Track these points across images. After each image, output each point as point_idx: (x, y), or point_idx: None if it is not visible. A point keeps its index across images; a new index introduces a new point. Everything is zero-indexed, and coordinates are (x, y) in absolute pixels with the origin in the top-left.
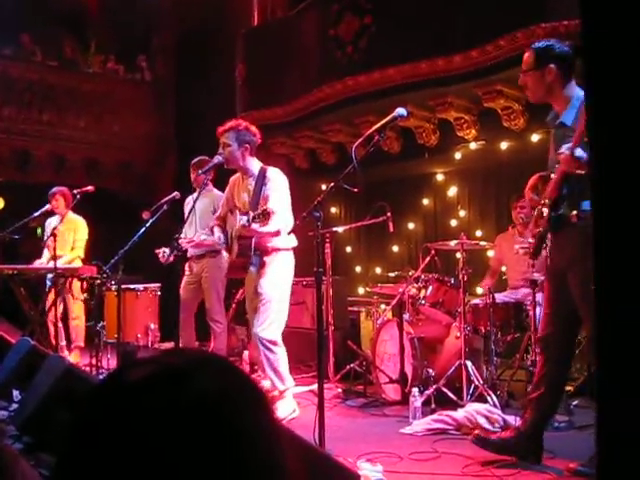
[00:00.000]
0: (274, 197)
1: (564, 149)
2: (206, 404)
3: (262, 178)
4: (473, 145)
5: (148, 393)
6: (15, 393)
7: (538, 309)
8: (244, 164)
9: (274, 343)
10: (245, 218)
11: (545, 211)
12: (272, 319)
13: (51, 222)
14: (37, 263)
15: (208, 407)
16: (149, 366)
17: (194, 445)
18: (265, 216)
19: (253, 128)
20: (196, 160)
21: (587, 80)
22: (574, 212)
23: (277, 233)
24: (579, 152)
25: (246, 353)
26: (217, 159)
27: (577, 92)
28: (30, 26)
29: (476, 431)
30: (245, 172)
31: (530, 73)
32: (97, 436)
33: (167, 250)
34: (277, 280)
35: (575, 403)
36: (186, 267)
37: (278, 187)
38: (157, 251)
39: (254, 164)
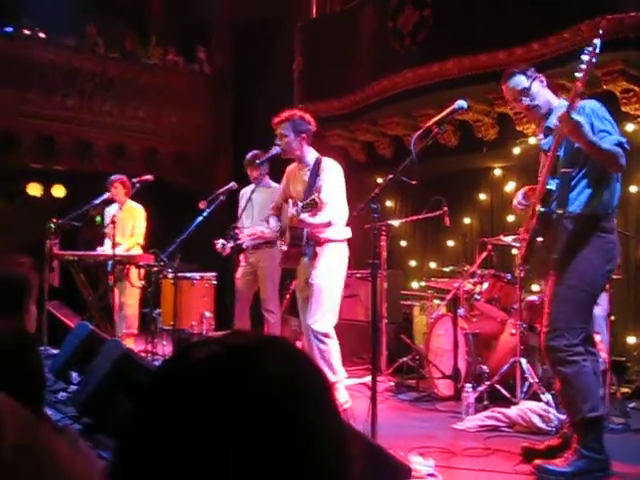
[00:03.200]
0: (326, 189)
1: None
2: (273, 386)
3: (317, 169)
4: (532, 140)
5: (213, 372)
6: (74, 375)
7: (597, 308)
8: (301, 154)
9: (326, 335)
10: (294, 209)
11: (537, 208)
12: (324, 311)
13: (110, 210)
14: (99, 250)
15: (275, 389)
16: (213, 346)
17: (259, 428)
18: (313, 205)
19: (308, 116)
20: (250, 156)
21: None
22: (561, 211)
23: (327, 224)
24: (576, 115)
25: (299, 344)
26: (275, 150)
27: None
28: (93, 18)
29: (525, 444)
30: (301, 162)
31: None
32: (161, 417)
33: (224, 241)
34: (329, 271)
35: (632, 405)
36: (241, 258)
37: (332, 179)
38: (215, 242)
39: (310, 154)
